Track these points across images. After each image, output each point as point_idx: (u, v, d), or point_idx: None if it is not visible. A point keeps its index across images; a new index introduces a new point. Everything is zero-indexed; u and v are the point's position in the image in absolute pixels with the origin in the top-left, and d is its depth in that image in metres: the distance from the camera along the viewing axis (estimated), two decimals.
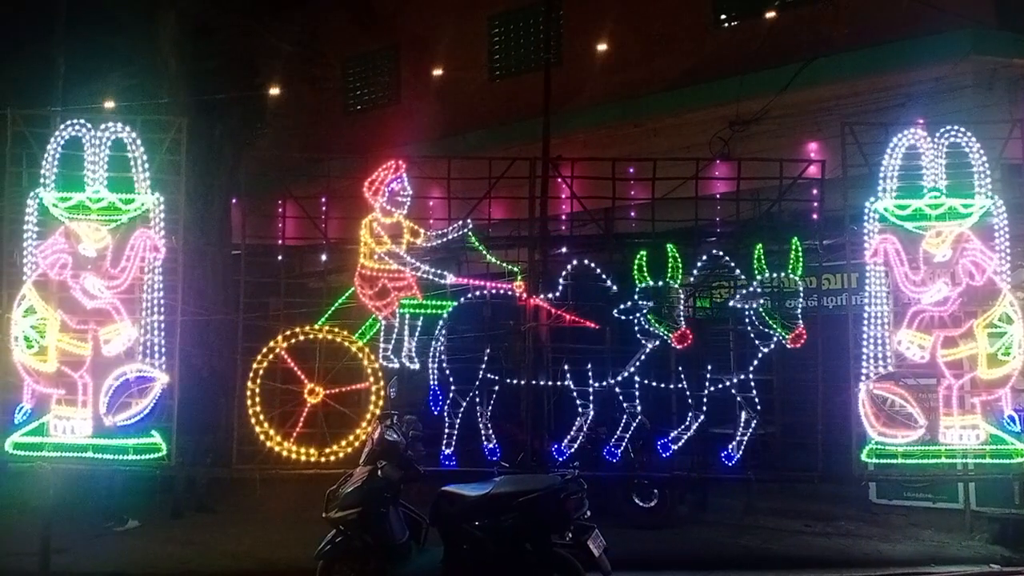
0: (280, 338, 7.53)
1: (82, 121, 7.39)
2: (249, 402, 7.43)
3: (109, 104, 11.20)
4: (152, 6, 12.10)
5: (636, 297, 7.51)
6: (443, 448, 7.71)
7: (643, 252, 7.57)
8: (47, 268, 7.17)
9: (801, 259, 7.50)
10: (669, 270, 7.49)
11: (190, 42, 12.16)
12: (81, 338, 7.16)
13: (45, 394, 7.18)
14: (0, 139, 7.66)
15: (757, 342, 7.52)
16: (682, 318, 7.49)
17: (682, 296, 7.57)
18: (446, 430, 7.74)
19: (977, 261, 7.23)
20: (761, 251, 7.49)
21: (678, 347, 7.43)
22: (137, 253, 7.24)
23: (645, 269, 7.51)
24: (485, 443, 7.78)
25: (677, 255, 7.51)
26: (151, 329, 7.29)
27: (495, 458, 7.67)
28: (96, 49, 13.39)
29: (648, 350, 7.59)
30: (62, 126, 7.41)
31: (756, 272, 7.48)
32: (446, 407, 7.78)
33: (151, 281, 7.30)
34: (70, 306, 7.17)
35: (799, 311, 7.48)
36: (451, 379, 7.81)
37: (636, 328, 7.56)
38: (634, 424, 7.69)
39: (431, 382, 7.83)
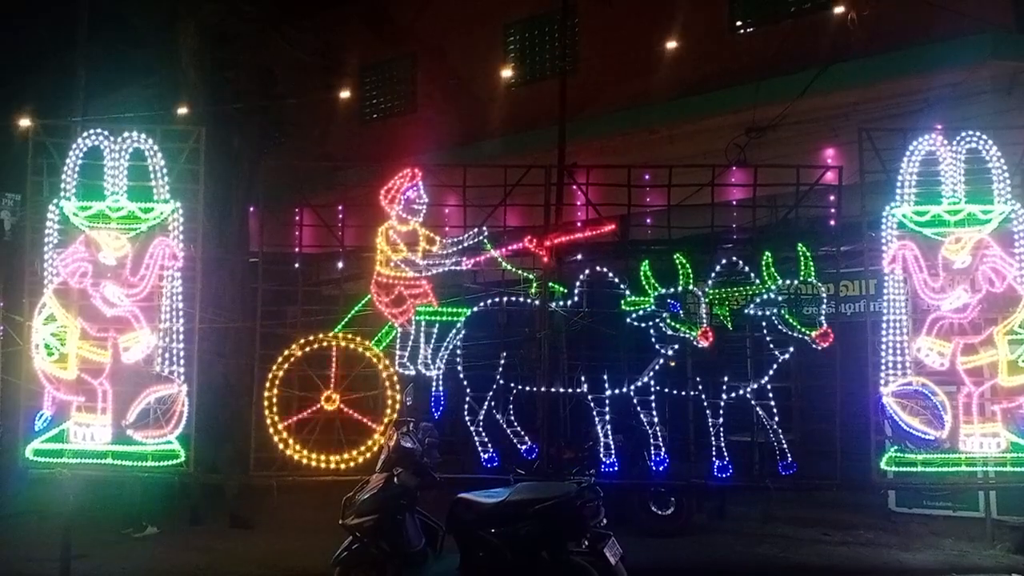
0: (297, 345, 7.57)
1: (102, 131, 7.46)
2: (266, 409, 7.47)
3: (128, 114, 11.32)
4: (172, 17, 12.23)
5: (654, 303, 7.49)
6: (481, 453, 7.76)
7: (647, 260, 7.56)
8: (68, 276, 7.23)
9: (811, 264, 7.46)
10: (681, 278, 7.46)
11: (209, 52, 12.27)
12: (101, 346, 7.21)
13: (65, 401, 7.24)
14: (22, 149, 7.75)
15: (774, 349, 7.47)
16: (704, 317, 7.46)
17: (701, 296, 7.54)
18: (475, 437, 7.76)
19: (997, 267, 7.15)
20: (770, 259, 7.44)
21: (703, 344, 7.36)
22: (156, 261, 7.30)
23: (652, 277, 7.49)
24: (491, 450, 7.79)
25: (687, 263, 7.48)
26: (170, 337, 7.34)
27: (494, 464, 7.67)
28: (116, 60, 13.57)
29: (664, 357, 7.57)
30: (82, 136, 7.48)
31: (767, 279, 7.44)
32: (466, 414, 7.80)
33: (170, 289, 7.35)
34: (90, 314, 7.23)
35: (821, 317, 7.43)
36: (466, 386, 7.83)
37: (652, 335, 7.54)
38: (651, 431, 7.66)
39: (437, 388, 7.84)
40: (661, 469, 7.63)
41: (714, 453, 7.51)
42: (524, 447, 7.83)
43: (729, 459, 7.54)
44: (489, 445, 7.82)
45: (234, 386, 9.56)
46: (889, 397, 7.17)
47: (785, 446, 7.52)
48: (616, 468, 7.67)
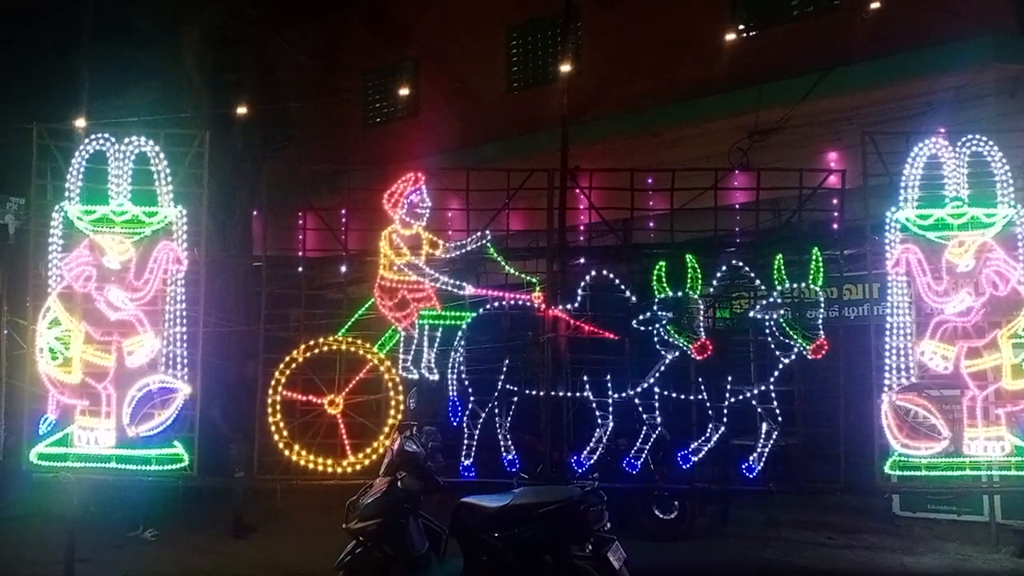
0: (300, 349, 7.57)
1: (106, 135, 7.47)
2: (270, 413, 7.47)
3: (132, 118, 11.35)
4: (176, 20, 12.27)
5: (655, 308, 7.48)
6: (462, 459, 7.70)
7: (662, 262, 7.54)
8: (72, 280, 7.24)
9: (822, 269, 7.45)
10: (688, 280, 7.46)
11: (212, 55, 12.31)
12: (105, 349, 7.23)
13: (69, 405, 7.25)
14: (26, 153, 7.77)
15: (778, 353, 7.46)
16: (702, 328, 7.44)
17: (701, 307, 7.53)
18: (465, 441, 7.74)
19: (1001, 271, 7.15)
20: (782, 261, 7.44)
21: (697, 358, 7.39)
22: (160, 265, 7.31)
23: (664, 279, 7.48)
24: (504, 454, 7.77)
25: (696, 265, 7.47)
26: (174, 340, 7.35)
27: (514, 469, 7.65)
28: (121, 63, 13.62)
29: (667, 361, 7.55)
30: (86, 140, 7.51)
31: (776, 282, 7.43)
32: (465, 418, 7.78)
33: (174, 293, 7.36)
34: (94, 318, 7.24)
35: (820, 322, 7.42)
36: (470, 390, 7.82)
37: (655, 339, 7.53)
38: (654, 436, 7.65)
39: (451, 393, 7.83)
40: (665, 473, 7.62)
41: (718, 457, 7.50)
42: (508, 456, 7.76)
43: (732, 463, 7.53)
44: (507, 450, 7.78)
45: (237, 389, 9.55)
46: (888, 407, 7.15)
47: (764, 451, 7.47)
48: (619, 472, 7.66)
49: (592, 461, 7.63)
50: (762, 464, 7.49)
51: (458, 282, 7.79)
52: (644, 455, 7.67)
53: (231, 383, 9.35)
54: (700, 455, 7.58)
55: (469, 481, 7.40)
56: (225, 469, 8.79)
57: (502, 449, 7.78)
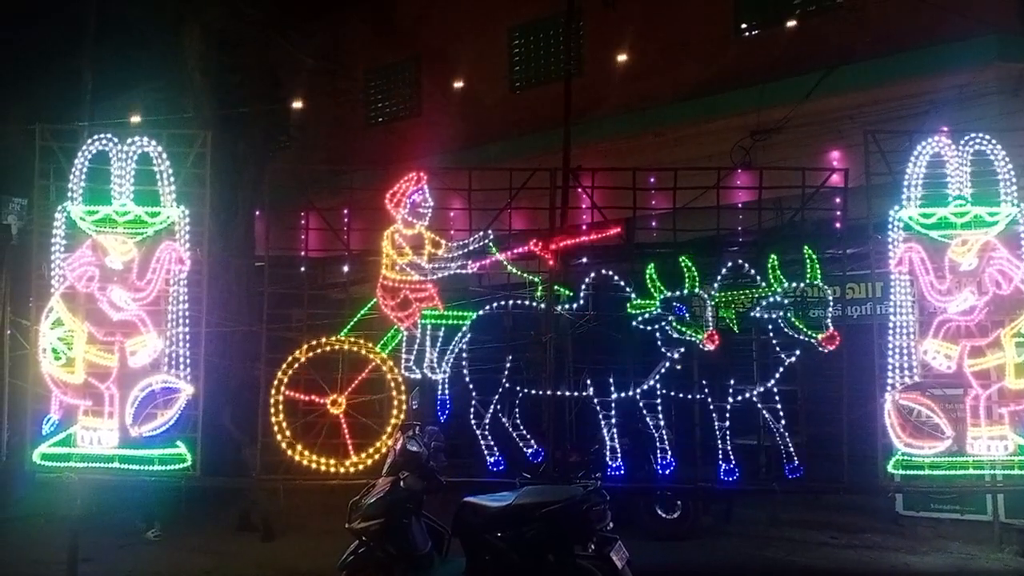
0: (303, 349, 7.58)
1: (109, 135, 7.48)
2: (272, 413, 7.47)
3: (135, 118, 11.36)
4: (178, 21, 12.27)
5: (659, 306, 7.48)
6: (487, 456, 7.74)
7: (652, 264, 7.55)
8: (75, 281, 7.25)
9: (817, 267, 7.44)
10: (686, 281, 7.45)
11: (215, 56, 12.31)
12: (108, 350, 7.23)
13: (72, 405, 7.25)
14: (29, 153, 7.78)
15: (781, 352, 7.46)
16: (711, 319, 7.44)
17: (708, 300, 7.52)
18: (482, 442, 7.75)
19: (1004, 270, 7.14)
20: (775, 262, 7.42)
21: (708, 347, 7.35)
22: (163, 265, 7.31)
23: (657, 281, 7.48)
24: (525, 449, 7.78)
25: (692, 266, 7.46)
26: (176, 340, 7.36)
27: (538, 459, 7.63)
28: (123, 64, 13.61)
29: (670, 360, 7.55)
30: (89, 140, 7.50)
31: (773, 282, 7.43)
32: (472, 418, 7.79)
33: (176, 293, 7.37)
34: (97, 318, 7.24)
35: (829, 320, 7.41)
36: (472, 389, 7.83)
37: (659, 338, 7.53)
38: (657, 435, 7.64)
39: (440, 391, 7.84)
40: (667, 472, 7.62)
41: (720, 456, 7.50)
42: (530, 450, 7.81)
43: (735, 462, 7.53)
44: (495, 448, 7.80)
45: (244, 392, 9.56)
46: (892, 406, 7.14)
47: (792, 449, 7.51)
48: (622, 471, 7.66)
49: (619, 462, 7.63)
50: (765, 463, 7.49)
51: (462, 263, 7.80)
52: (647, 454, 7.68)
53: (237, 385, 9.34)
54: (703, 454, 7.57)
55: (472, 480, 7.40)
56: (237, 472, 8.77)
57: (522, 447, 7.80)
